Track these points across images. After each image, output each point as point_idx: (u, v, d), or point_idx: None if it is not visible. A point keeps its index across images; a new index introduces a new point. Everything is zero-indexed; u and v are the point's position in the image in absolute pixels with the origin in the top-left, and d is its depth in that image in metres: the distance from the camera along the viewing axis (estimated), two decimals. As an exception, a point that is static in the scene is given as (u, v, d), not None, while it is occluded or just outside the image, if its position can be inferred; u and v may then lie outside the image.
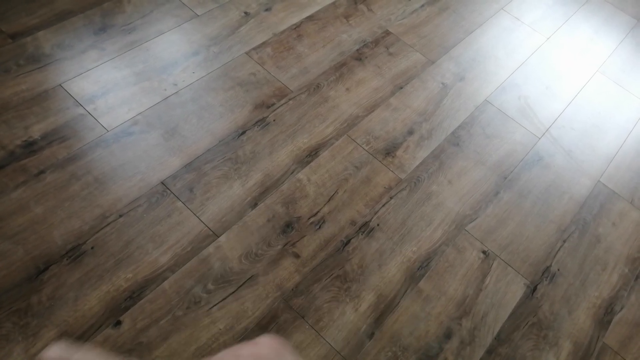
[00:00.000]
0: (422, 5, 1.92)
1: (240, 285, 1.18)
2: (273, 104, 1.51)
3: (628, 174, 1.59)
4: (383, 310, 1.20)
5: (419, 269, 1.28)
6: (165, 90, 1.47)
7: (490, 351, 1.19)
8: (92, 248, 1.16)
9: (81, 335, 1.05)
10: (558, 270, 1.35)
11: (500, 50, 1.84)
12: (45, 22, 1.54)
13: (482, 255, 1.33)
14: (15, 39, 1.48)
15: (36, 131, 1.32)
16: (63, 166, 1.27)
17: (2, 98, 1.36)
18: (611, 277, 1.36)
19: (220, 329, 1.11)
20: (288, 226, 1.29)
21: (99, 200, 1.24)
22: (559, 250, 1.38)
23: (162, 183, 1.29)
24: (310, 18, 1.77)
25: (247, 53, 1.62)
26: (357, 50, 1.72)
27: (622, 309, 1.31)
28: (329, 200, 1.35)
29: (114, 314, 1.09)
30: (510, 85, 1.73)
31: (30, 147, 1.29)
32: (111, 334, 1.06)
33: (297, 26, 1.74)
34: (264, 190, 1.34)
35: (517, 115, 1.66)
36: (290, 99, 1.53)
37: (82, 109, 1.38)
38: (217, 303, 1.14)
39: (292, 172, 1.38)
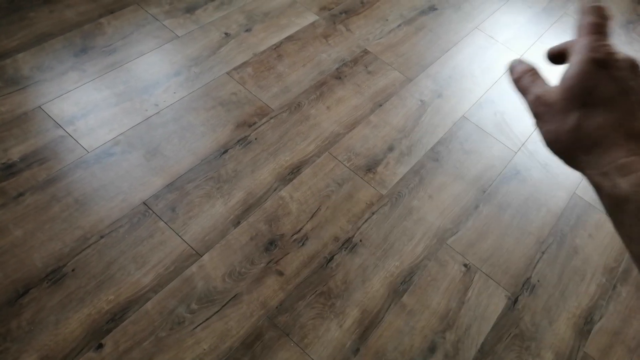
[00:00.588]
0: (399, 25, 1.97)
1: (224, 305, 1.17)
2: (254, 123, 1.52)
3: (602, 185, 1.63)
4: (367, 326, 1.21)
5: (402, 283, 1.29)
6: (147, 110, 1.47)
7: (474, 364, 1.20)
8: (72, 270, 1.15)
9: (62, 360, 1.03)
10: (538, 281, 1.37)
11: (475, 67, 1.89)
12: (25, 44, 1.53)
13: (463, 268, 1.35)
14: (-6, 62, 1.47)
15: (15, 153, 1.31)
16: (43, 188, 1.26)
17: (-20, 120, 1.35)
18: (589, 287, 1.39)
19: (204, 349, 1.10)
20: (271, 244, 1.29)
21: (80, 221, 1.23)
22: (538, 261, 1.41)
23: (144, 203, 1.29)
24: (290, 38, 1.80)
25: (228, 73, 1.63)
26: (337, 69, 1.75)
27: (601, 318, 1.34)
28: (312, 217, 1.36)
29: (95, 337, 1.08)
30: (487, 102, 1.78)
31: (10, 170, 1.28)
32: (93, 357, 1.05)
33: (277, 46, 1.76)
34: (247, 209, 1.34)
35: (493, 130, 1.70)
36: (271, 118, 1.55)
37: (62, 130, 1.37)
38: (201, 323, 1.14)
39: (274, 190, 1.39)
